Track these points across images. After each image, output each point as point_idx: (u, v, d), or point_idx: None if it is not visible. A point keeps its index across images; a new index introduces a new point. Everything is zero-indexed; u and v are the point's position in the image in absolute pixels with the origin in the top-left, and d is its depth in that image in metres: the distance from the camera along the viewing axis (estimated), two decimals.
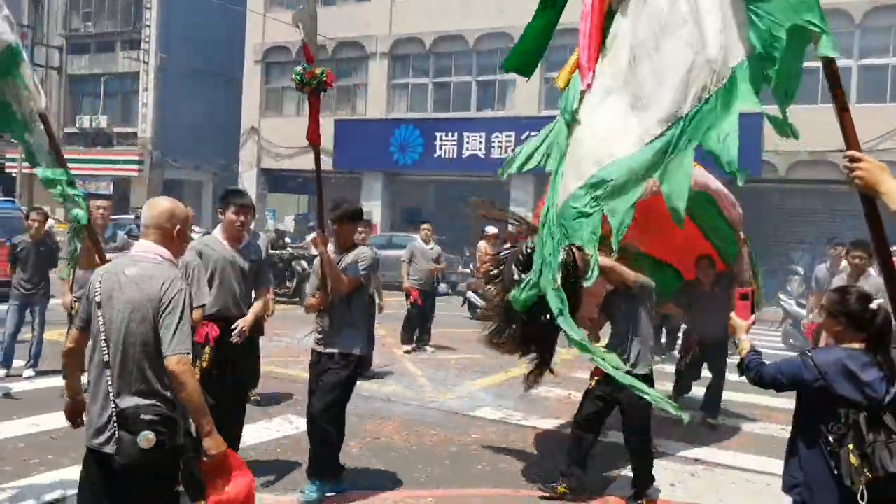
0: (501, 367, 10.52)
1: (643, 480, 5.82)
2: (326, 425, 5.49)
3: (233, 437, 5.53)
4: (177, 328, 3.26)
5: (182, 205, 3.62)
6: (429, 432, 7.38)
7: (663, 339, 12.39)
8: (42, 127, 4.87)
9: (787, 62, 3.08)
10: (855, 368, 3.29)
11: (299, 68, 5.53)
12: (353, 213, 5.81)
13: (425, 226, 12.57)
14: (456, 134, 24.57)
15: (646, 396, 4.25)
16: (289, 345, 11.60)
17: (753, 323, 3.78)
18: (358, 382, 9.19)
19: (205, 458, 3.29)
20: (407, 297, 12.00)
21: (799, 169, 20.51)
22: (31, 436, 6.62)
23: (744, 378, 3.64)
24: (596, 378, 5.92)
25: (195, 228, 28.74)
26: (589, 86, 4.01)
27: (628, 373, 4.86)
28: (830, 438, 3.28)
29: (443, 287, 13.58)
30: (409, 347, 11.89)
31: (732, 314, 3.79)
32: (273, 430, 7.24)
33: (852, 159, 2.53)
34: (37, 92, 4.87)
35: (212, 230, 22.17)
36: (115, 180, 32.24)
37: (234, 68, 29.84)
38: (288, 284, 16.80)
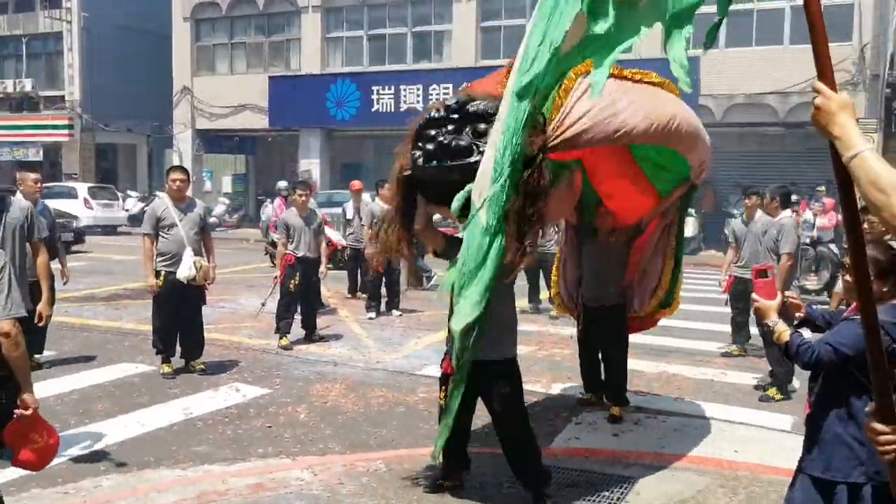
0: (446, 323, 10.55)
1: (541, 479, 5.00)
2: None
3: None
4: None
5: None
6: (376, 394, 7.39)
7: None
8: None
9: None
10: None
11: None
12: None
13: (388, 184, 11.93)
14: (393, 87, 24.29)
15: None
16: (233, 311, 11.48)
17: (783, 303, 3.35)
18: (303, 346, 9.30)
19: (23, 414, 3.49)
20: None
21: (734, 112, 20.78)
22: None
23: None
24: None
25: (131, 193, 28.30)
26: None
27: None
28: None
29: None
30: (371, 315, 11.29)
31: (754, 295, 3.32)
32: (219, 399, 7.17)
33: (814, 90, 2.04)
34: None
35: (149, 195, 21.55)
36: (44, 147, 31.27)
37: (163, 25, 28.93)
38: None
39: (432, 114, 4.75)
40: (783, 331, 3.23)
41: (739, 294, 8.74)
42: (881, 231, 6.23)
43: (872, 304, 2.07)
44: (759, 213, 8.69)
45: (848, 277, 3.27)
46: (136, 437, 6.08)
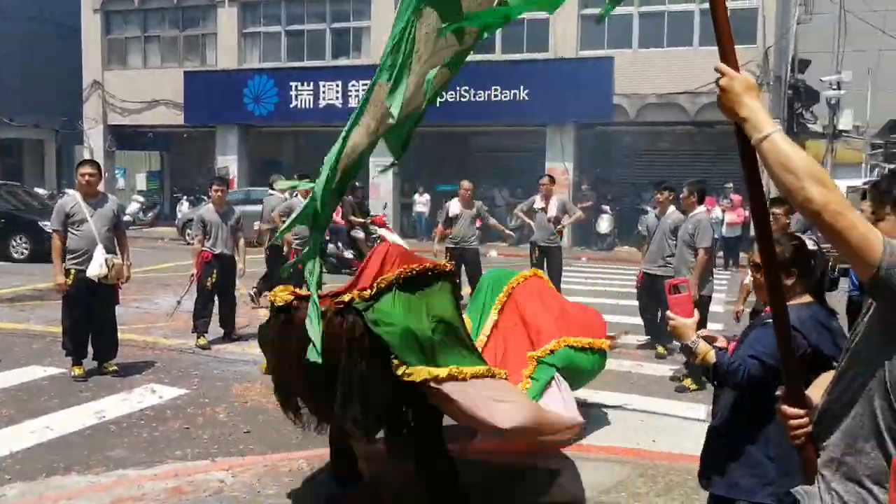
0: None
1: None
2: None
3: None
4: None
5: None
6: None
7: None
8: None
9: None
10: (824, 322, 2.92)
11: None
12: None
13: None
14: (312, 83, 24.07)
15: None
16: (147, 311, 11.18)
17: (700, 321, 3.06)
18: (221, 345, 9.12)
19: None
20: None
21: (647, 112, 21.26)
22: None
23: None
24: None
25: (38, 191, 27.30)
26: None
27: None
28: None
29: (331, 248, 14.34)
30: None
31: (669, 313, 2.99)
32: (134, 401, 6.97)
33: (716, 70, 1.97)
34: None
35: (57, 192, 20.92)
36: None
37: (72, 17, 27.93)
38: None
39: None
40: (706, 351, 2.91)
41: (644, 289, 8.90)
42: (785, 223, 6.46)
43: (781, 292, 2.10)
44: (671, 209, 8.80)
45: (757, 274, 3.10)
46: (45, 442, 5.86)
